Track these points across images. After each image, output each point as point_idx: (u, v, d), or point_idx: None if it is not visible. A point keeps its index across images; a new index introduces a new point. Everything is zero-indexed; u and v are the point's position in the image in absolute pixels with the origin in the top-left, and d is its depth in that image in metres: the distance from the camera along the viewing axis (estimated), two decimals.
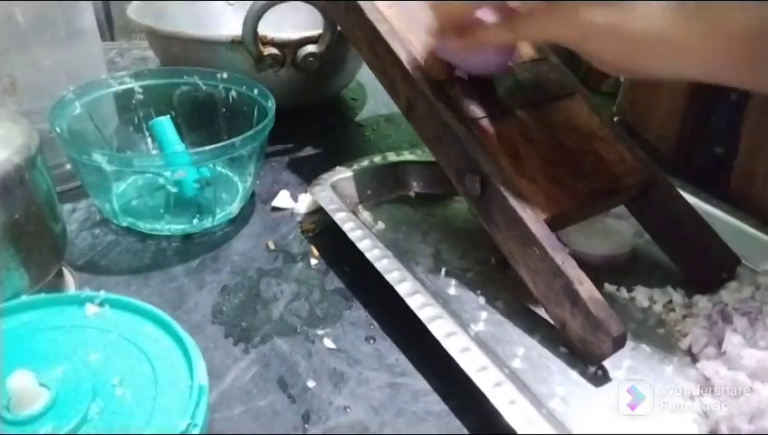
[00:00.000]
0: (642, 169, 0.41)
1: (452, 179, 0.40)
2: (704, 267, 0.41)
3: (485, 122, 0.39)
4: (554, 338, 0.36)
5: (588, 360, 0.35)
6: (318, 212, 0.47)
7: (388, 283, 0.37)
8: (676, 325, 0.38)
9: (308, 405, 0.33)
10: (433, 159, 0.50)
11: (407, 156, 0.51)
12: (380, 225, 0.46)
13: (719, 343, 0.35)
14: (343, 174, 0.48)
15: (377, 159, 0.50)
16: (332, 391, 0.33)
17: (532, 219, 0.35)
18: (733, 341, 0.34)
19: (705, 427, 0.31)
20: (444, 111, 0.38)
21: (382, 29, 0.41)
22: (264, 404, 0.33)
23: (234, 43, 0.54)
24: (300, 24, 0.62)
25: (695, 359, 0.36)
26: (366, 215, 0.47)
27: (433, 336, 0.33)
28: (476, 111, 0.39)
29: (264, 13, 0.53)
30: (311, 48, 0.55)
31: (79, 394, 0.27)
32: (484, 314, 0.38)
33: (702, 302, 0.39)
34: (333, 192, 0.45)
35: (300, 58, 0.55)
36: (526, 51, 0.44)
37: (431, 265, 0.42)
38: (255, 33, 0.53)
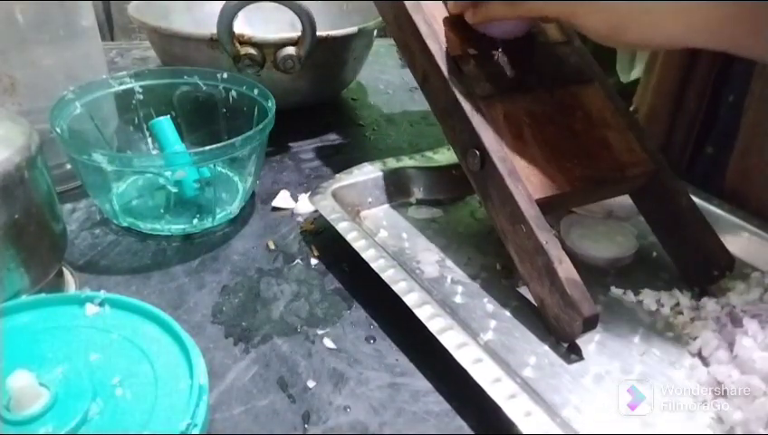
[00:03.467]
0: (649, 161, 0.41)
1: (456, 153, 0.41)
2: (698, 264, 0.41)
3: (495, 100, 0.39)
4: (565, 345, 0.36)
5: (560, 337, 0.36)
6: (318, 212, 0.47)
7: (389, 284, 0.37)
8: (684, 328, 0.38)
9: (308, 405, 0.33)
10: (433, 164, 0.51)
11: (407, 161, 0.51)
12: (383, 233, 0.45)
13: (730, 347, 0.35)
14: (344, 182, 0.47)
15: (377, 165, 0.50)
16: (332, 391, 0.33)
17: (524, 198, 0.36)
18: (744, 344, 0.34)
19: (720, 431, 0.31)
20: (455, 85, 0.39)
21: (408, 3, 0.41)
22: (264, 404, 0.33)
23: (212, 41, 0.54)
24: (285, 25, 0.62)
25: (705, 362, 0.35)
26: (368, 223, 0.46)
27: (433, 336, 0.33)
28: (488, 87, 0.40)
29: (238, 11, 0.53)
30: (290, 50, 0.55)
31: (79, 394, 0.27)
32: (492, 323, 0.37)
33: (710, 304, 0.39)
34: (334, 201, 0.44)
35: (279, 59, 0.55)
36: (552, 33, 0.44)
37: (436, 273, 0.42)
38: (231, 31, 0.53)
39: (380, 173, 0.49)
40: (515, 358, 0.35)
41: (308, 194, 0.47)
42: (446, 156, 0.52)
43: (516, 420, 0.29)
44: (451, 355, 0.32)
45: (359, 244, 0.40)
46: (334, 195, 0.45)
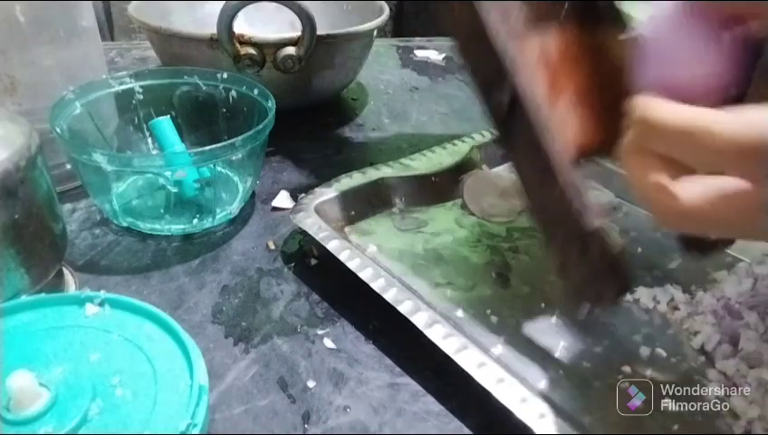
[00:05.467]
0: None
1: (476, 90, 0.34)
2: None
3: (529, 30, 0.34)
4: (575, 353, 0.36)
5: (586, 302, 0.32)
6: None
7: (394, 306, 0.36)
8: (683, 324, 0.38)
9: (308, 405, 0.33)
10: (412, 172, 0.49)
11: (385, 170, 0.49)
12: (372, 248, 0.44)
13: (731, 340, 0.35)
14: (325, 196, 0.46)
15: (356, 176, 0.48)
16: (332, 391, 0.33)
17: (557, 150, 0.31)
18: (748, 337, 0.34)
19: (737, 428, 0.31)
20: (486, 11, 0.32)
21: None
22: (264, 404, 0.33)
23: (212, 41, 0.54)
24: (285, 25, 0.62)
25: (709, 357, 0.35)
26: (354, 237, 0.45)
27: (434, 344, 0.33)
28: (523, 19, 0.33)
29: (238, 11, 0.53)
30: (290, 50, 0.55)
31: (79, 394, 0.27)
32: (500, 336, 0.37)
33: (706, 299, 0.39)
34: (318, 217, 0.43)
35: (279, 59, 0.55)
36: None
37: (433, 286, 0.41)
38: (231, 31, 0.53)
39: (361, 184, 0.47)
40: (530, 371, 0.34)
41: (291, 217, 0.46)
42: (423, 162, 0.51)
43: None
44: (453, 360, 0.32)
45: (354, 263, 0.39)
46: (317, 211, 0.44)
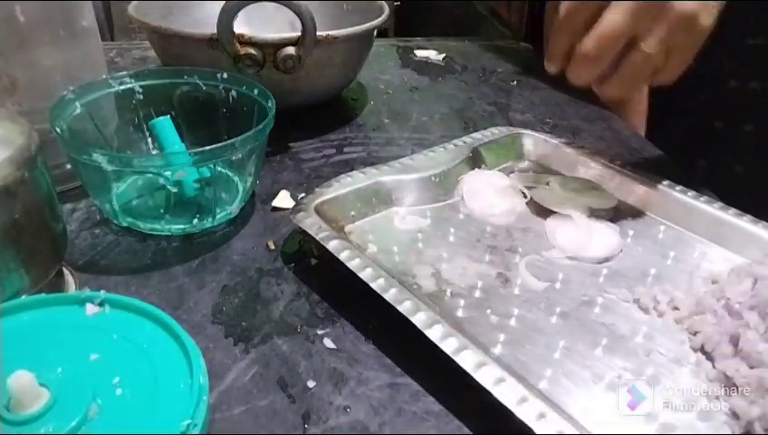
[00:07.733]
0: None
1: None
2: None
3: None
4: (575, 353, 0.36)
5: None
6: None
7: (394, 306, 0.36)
8: (683, 324, 0.38)
9: (308, 405, 0.33)
10: (412, 172, 0.49)
11: (385, 170, 0.49)
12: (372, 247, 0.44)
13: (731, 340, 0.35)
14: (325, 196, 0.45)
15: (357, 175, 0.48)
16: (332, 391, 0.33)
17: None
18: (748, 337, 0.34)
19: (737, 428, 0.31)
20: None
21: None
22: (264, 404, 0.33)
23: (212, 41, 0.54)
24: (285, 25, 0.62)
25: (710, 358, 0.35)
26: (354, 238, 0.45)
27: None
28: None
29: (238, 11, 0.53)
30: (290, 50, 0.55)
31: (79, 394, 0.27)
32: (501, 336, 0.37)
33: (706, 299, 0.39)
34: (318, 217, 0.43)
35: (279, 59, 0.55)
36: None
37: (434, 286, 0.40)
38: (231, 31, 0.53)
39: (361, 184, 0.47)
40: (530, 372, 0.34)
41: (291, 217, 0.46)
42: (423, 162, 0.51)
43: None
44: (453, 360, 0.32)
45: (354, 263, 0.39)
46: (317, 211, 0.43)
